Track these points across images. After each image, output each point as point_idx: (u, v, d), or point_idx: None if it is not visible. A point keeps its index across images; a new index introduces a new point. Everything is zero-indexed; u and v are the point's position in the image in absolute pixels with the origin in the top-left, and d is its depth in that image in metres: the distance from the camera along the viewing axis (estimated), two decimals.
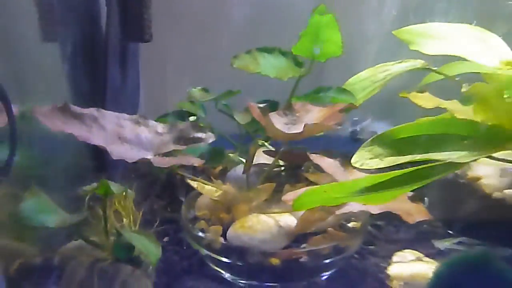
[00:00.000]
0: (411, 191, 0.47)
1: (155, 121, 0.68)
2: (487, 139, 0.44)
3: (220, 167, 0.71)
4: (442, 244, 0.60)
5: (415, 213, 0.50)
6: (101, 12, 0.68)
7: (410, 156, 0.43)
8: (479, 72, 0.64)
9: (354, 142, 0.83)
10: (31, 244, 0.48)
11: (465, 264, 0.43)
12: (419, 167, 0.42)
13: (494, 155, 0.46)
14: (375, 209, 0.48)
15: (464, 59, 0.59)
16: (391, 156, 0.43)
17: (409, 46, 0.64)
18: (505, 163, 0.49)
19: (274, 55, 0.75)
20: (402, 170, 0.41)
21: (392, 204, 0.48)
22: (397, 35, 0.65)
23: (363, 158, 0.43)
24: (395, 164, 0.43)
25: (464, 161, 0.41)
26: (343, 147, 0.71)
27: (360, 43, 0.79)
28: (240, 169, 0.59)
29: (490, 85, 0.48)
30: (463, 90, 0.53)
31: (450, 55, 0.61)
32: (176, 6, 0.80)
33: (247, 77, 0.70)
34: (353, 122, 0.82)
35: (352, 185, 0.43)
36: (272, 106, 0.77)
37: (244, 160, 0.64)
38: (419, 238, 0.62)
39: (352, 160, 0.43)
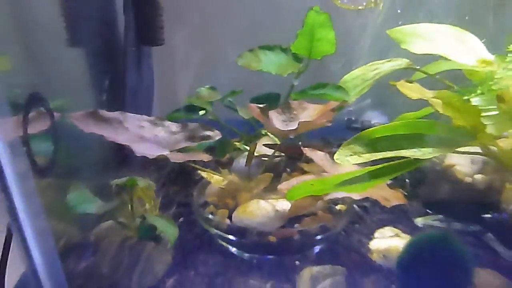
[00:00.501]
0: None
1: (169, 116, 0.77)
2: (450, 138, 0.52)
3: (228, 156, 0.80)
4: (421, 222, 0.69)
5: (392, 198, 0.58)
6: (119, 20, 0.76)
7: (383, 153, 0.51)
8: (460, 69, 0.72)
9: (350, 130, 0.91)
10: (72, 226, 0.58)
11: (428, 241, 0.52)
12: (391, 163, 0.51)
13: (459, 149, 0.55)
14: (356, 196, 0.57)
15: (446, 58, 0.67)
16: (368, 153, 0.51)
17: (400, 45, 0.71)
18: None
19: (275, 52, 0.83)
20: (375, 166, 0.50)
21: (372, 191, 0.57)
22: (389, 34, 0.72)
23: (344, 155, 0.52)
24: (371, 159, 0.52)
25: (428, 157, 0.50)
26: (341, 134, 0.80)
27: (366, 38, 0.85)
28: (244, 159, 0.68)
29: (453, 92, 0.56)
30: None
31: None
32: (184, 12, 0.87)
33: (253, 71, 0.78)
34: (347, 112, 0.91)
35: (334, 179, 0.52)
36: (274, 98, 0.85)
37: (248, 148, 0.73)
38: (401, 217, 0.71)
39: (335, 157, 0.52)
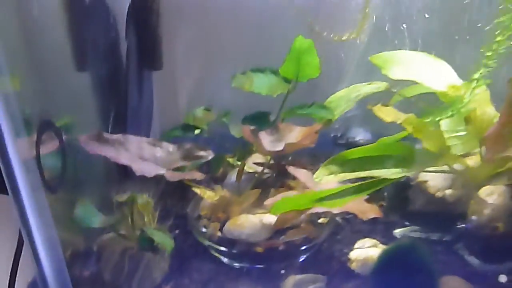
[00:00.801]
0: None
1: (167, 133, 0.84)
2: (417, 159, 0.58)
3: (222, 170, 0.86)
4: (399, 233, 0.75)
5: (368, 212, 0.64)
6: (122, 46, 0.83)
7: (356, 173, 0.57)
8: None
9: (337, 146, 0.97)
10: (78, 236, 0.64)
11: (397, 250, 0.58)
12: (366, 181, 0.57)
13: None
14: (335, 210, 0.63)
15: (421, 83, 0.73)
16: (343, 172, 0.58)
17: (381, 71, 0.77)
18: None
19: (265, 74, 0.89)
20: (348, 185, 0.56)
21: (349, 206, 0.63)
22: (372, 60, 0.78)
23: (322, 174, 0.58)
24: (346, 179, 0.58)
25: (396, 177, 0.56)
26: (331, 149, 0.86)
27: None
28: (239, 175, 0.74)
29: (418, 119, 0.62)
30: None
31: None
32: (184, 36, 0.93)
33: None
34: (334, 129, 0.97)
35: (314, 195, 0.58)
36: (264, 116, 0.92)
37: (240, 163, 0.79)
38: (381, 229, 0.76)
39: (314, 176, 0.58)
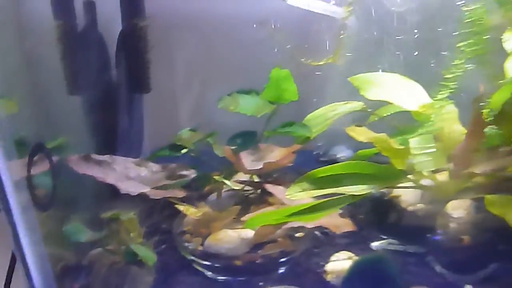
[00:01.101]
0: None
1: (156, 153, 0.88)
2: (382, 176, 0.62)
3: (209, 188, 0.90)
4: (375, 246, 0.79)
5: (342, 226, 0.68)
6: (113, 70, 0.88)
7: (326, 189, 0.61)
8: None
9: (319, 163, 1.02)
10: (68, 252, 0.68)
11: (366, 262, 0.62)
12: (337, 197, 0.61)
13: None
14: (309, 225, 0.67)
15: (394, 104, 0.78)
16: (314, 189, 0.62)
17: (359, 91, 0.81)
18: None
19: (251, 95, 0.94)
20: (318, 201, 0.60)
21: (323, 220, 0.67)
22: (351, 81, 0.83)
23: (294, 191, 0.62)
24: (316, 195, 0.62)
25: (363, 194, 0.60)
26: (314, 165, 0.90)
27: None
28: (222, 193, 0.78)
29: (386, 138, 0.66)
30: None
31: None
32: (173, 59, 0.99)
33: None
34: (317, 147, 1.02)
35: (287, 210, 0.62)
36: (250, 135, 0.96)
37: (226, 181, 0.83)
38: (358, 242, 0.80)
39: (286, 193, 0.62)
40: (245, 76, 0.99)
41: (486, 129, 0.67)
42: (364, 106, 0.84)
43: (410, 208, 0.75)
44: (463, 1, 0.65)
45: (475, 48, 0.65)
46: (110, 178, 0.65)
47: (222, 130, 0.93)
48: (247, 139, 0.93)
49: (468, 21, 0.65)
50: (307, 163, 0.89)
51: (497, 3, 0.65)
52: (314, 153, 1.01)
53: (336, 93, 0.95)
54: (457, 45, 0.66)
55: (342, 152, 0.99)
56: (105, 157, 0.68)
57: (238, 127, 0.92)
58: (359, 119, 0.87)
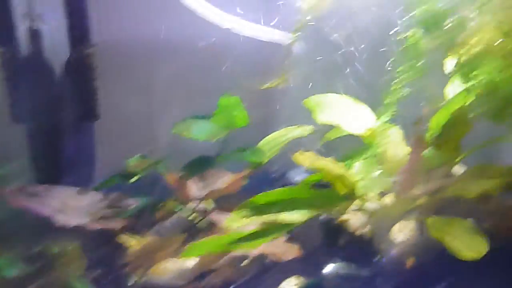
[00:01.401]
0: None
1: (105, 181, 0.86)
2: (322, 202, 0.62)
3: (161, 215, 0.89)
4: (327, 270, 0.78)
5: (287, 252, 0.68)
6: (62, 99, 0.87)
7: (266, 216, 0.61)
8: None
9: (274, 187, 1.01)
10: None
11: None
12: (271, 224, 0.60)
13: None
14: (253, 252, 0.66)
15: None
16: (254, 216, 0.61)
17: (311, 114, 0.82)
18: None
19: (204, 121, 0.94)
20: (257, 228, 0.59)
21: (265, 247, 0.66)
22: (304, 104, 0.83)
23: (235, 218, 0.61)
24: (257, 222, 0.61)
25: (302, 220, 0.60)
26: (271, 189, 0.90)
27: None
28: (168, 220, 0.77)
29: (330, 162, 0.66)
30: None
31: None
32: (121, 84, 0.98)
33: None
34: (274, 171, 1.01)
35: (225, 238, 0.61)
36: (206, 161, 0.96)
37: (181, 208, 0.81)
38: (309, 266, 0.79)
39: (226, 221, 0.61)
40: (199, 101, 1.00)
41: (426, 151, 0.69)
42: (313, 130, 0.84)
43: (358, 232, 0.74)
44: (397, 28, 0.67)
45: (411, 72, 0.66)
46: (46, 210, 0.63)
47: (181, 156, 0.92)
48: (203, 164, 0.92)
49: (403, 47, 0.67)
50: (267, 186, 0.89)
51: (425, 29, 0.67)
52: (272, 176, 1.01)
53: (294, 116, 0.96)
54: (395, 71, 0.68)
55: (299, 175, 0.99)
56: (43, 188, 0.66)
57: (198, 152, 0.92)
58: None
